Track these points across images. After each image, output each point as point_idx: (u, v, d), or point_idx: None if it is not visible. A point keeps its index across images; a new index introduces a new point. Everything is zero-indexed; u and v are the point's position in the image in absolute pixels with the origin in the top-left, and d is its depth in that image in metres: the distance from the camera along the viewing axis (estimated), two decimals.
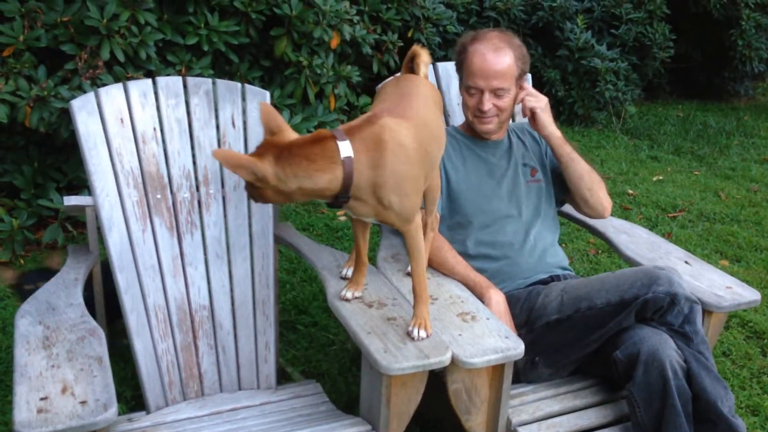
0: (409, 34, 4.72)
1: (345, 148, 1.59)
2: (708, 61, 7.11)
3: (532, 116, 2.23)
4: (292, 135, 1.62)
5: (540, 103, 2.22)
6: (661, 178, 4.90)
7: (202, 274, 2.14)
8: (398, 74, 2.06)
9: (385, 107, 1.74)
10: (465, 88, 2.21)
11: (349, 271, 2.00)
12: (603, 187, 2.32)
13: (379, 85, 2.08)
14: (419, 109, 1.78)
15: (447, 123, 2.55)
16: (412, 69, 1.96)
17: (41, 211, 3.23)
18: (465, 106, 2.25)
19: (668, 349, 1.83)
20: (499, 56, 2.15)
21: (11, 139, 3.25)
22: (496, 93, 2.17)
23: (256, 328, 2.17)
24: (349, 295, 1.90)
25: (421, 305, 1.76)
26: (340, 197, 1.63)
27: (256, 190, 1.61)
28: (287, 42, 3.74)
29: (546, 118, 2.23)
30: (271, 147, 1.59)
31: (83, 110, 2.00)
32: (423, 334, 1.72)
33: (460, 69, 2.23)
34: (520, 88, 2.22)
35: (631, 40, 6.07)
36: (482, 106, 2.18)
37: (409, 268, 2.02)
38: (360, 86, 4.44)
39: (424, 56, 1.96)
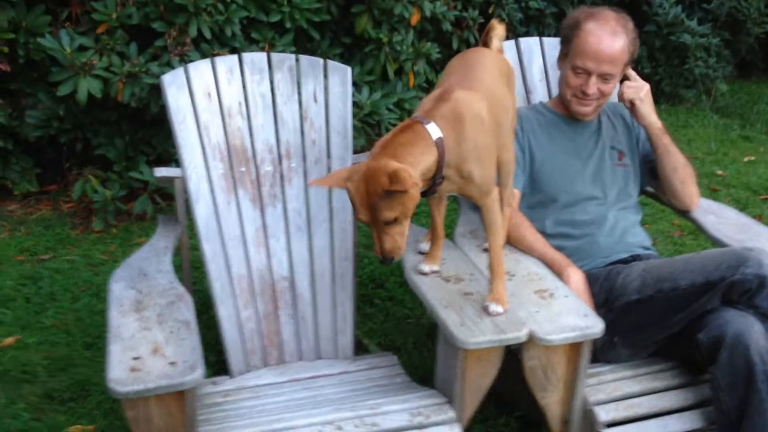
0: (490, 11, 4.66)
1: (434, 130, 1.59)
2: None
3: (632, 106, 2.18)
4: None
5: (640, 93, 2.18)
6: (752, 158, 4.70)
7: (284, 246, 2.19)
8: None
9: (453, 81, 1.74)
10: (571, 66, 2.15)
11: (426, 246, 2.01)
12: (694, 181, 2.29)
13: None
14: (486, 80, 1.79)
15: (528, 100, 2.52)
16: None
17: (132, 183, 3.38)
18: (565, 83, 2.20)
19: (755, 333, 1.77)
20: (615, 40, 2.10)
21: (104, 113, 3.39)
22: (604, 77, 2.13)
23: (335, 300, 2.22)
24: (426, 269, 1.91)
25: (498, 280, 1.76)
26: (437, 178, 1.62)
27: (406, 199, 1.50)
28: (367, 19, 3.75)
29: (645, 108, 2.19)
30: (380, 150, 1.55)
31: (173, 85, 2.07)
32: (499, 309, 1.72)
33: (568, 44, 2.17)
34: (624, 73, 2.18)
35: (724, 15, 5.81)
36: (587, 88, 2.14)
37: (486, 244, 2.02)
38: (439, 63, 4.41)
39: (498, 30, 1.96)
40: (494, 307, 1.72)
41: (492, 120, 1.71)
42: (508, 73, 1.96)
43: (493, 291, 1.75)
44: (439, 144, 1.59)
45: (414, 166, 1.53)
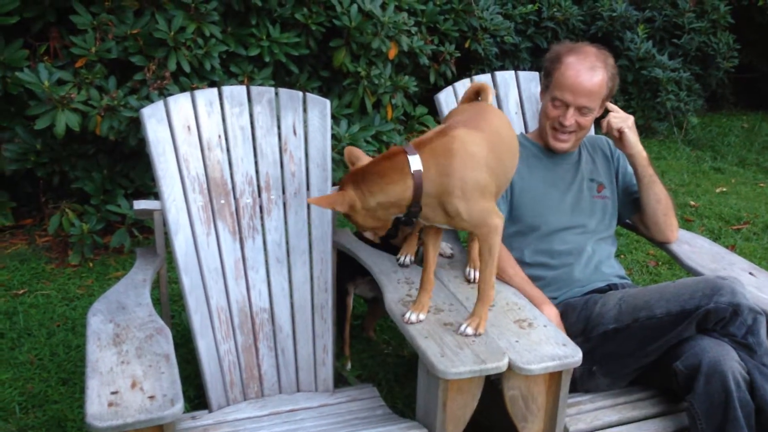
0: (467, 45, 4.74)
1: (415, 161, 1.65)
2: None
3: (620, 136, 2.22)
4: (367, 161, 1.74)
5: (627, 122, 2.21)
6: (724, 189, 4.79)
7: (263, 278, 2.19)
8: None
9: (459, 120, 1.80)
10: (550, 98, 2.20)
11: (406, 259, 2.07)
12: (674, 213, 2.34)
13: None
14: (494, 123, 1.83)
15: None
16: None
17: (109, 217, 3.36)
18: (544, 114, 2.25)
19: (731, 361, 1.80)
20: (594, 75, 2.15)
21: (82, 147, 3.38)
22: (582, 110, 2.17)
23: (315, 331, 2.22)
24: (413, 318, 1.82)
25: (482, 305, 1.78)
26: (412, 207, 1.69)
27: (348, 218, 1.73)
28: (346, 53, 3.80)
29: (633, 137, 2.22)
30: (349, 176, 1.71)
31: (153, 118, 2.08)
32: (470, 330, 1.74)
33: (549, 77, 2.22)
34: (604, 108, 2.23)
35: (694, 50, 5.95)
36: (565, 120, 2.18)
37: (467, 274, 2.04)
38: (417, 96, 4.47)
39: (490, 89, 2.00)
40: (465, 329, 1.75)
41: (494, 158, 1.74)
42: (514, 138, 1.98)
43: (474, 314, 1.77)
44: (416, 176, 1.64)
45: (368, 196, 1.67)
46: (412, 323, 1.82)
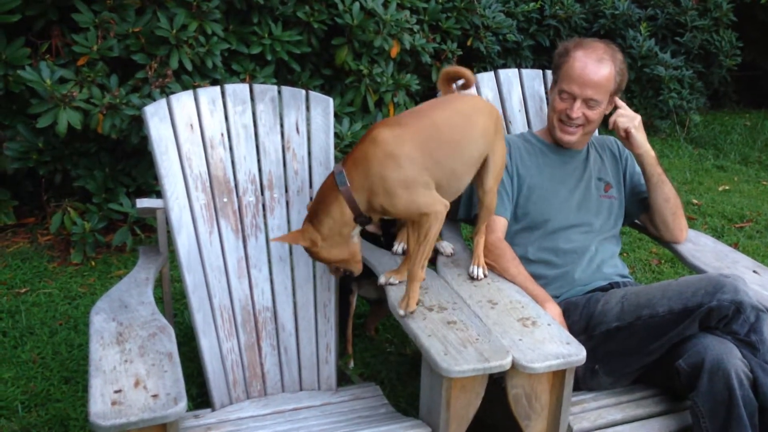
0: (469, 43, 4.73)
1: (341, 177, 1.76)
2: None
3: (626, 136, 2.22)
4: None
5: (634, 122, 2.21)
6: (727, 187, 4.78)
7: (266, 276, 2.18)
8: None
9: (388, 119, 1.89)
10: (558, 91, 2.21)
11: (399, 248, 2.13)
12: (683, 213, 2.33)
13: None
14: (432, 115, 1.87)
15: (508, 130, 2.55)
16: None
17: (111, 215, 3.36)
18: (551, 108, 2.25)
19: (734, 359, 1.79)
20: (601, 67, 2.15)
21: (84, 145, 3.38)
22: (588, 103, 2.17)
23: (317, 330, 2.21)
24: (392, 280, 1.99)
25: (411, 284, 1.85)
26: (358, 219, 1.80)
27: (315, 254, 1.87)
28: (348, 51, 3.80)
29: (640, 137, 2.22)
30: (307, 214, 1.85)
31: (155, 116, 2.07)
32: (401, 311, 1.82)
33: (557, 71, 2.23)
34: (613, 104, 2.22)
35: (696, 48, 5.94)
36: (572, 112, 2.18)
37: (471, 271, 2.04)
38: (419, 94, 4.46)
39: (459, 71, 2.08)
40: (398, 310, 1.83)
41: (422, 152, 1.78)
42: (481, 111, 1.98)
43: (405, 294, 1.85)
44: (345, 190, 1.75)
45: (321, 227, 1.80)
46: (386, 284, 1.99)
